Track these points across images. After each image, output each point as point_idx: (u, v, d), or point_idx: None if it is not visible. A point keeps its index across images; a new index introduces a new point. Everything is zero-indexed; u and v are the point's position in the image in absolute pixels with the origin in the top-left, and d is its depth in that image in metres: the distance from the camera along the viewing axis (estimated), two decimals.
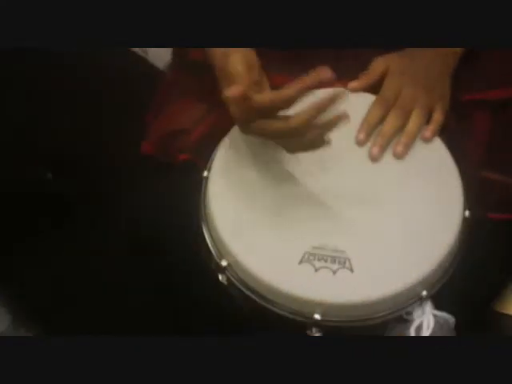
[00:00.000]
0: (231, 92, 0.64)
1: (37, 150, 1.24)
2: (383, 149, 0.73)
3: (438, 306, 0.68)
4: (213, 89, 0.83)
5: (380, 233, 0.66)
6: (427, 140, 0.74)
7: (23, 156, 1.23)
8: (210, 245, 0.69)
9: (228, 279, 0.67)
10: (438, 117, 0.76)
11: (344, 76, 0.78)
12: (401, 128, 0.74)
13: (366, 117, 0.75)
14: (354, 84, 0.79)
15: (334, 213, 0.68)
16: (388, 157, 0.72)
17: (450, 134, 0.79)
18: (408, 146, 0.73)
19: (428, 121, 0.76)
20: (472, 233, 0.70)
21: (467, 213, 0.69)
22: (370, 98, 0.76)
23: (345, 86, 0.79)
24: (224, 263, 0.66)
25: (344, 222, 0.67)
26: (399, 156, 0.72)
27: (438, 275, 0.66)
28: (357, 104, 0.73)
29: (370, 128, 0.75)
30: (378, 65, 0.80)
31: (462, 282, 0.70)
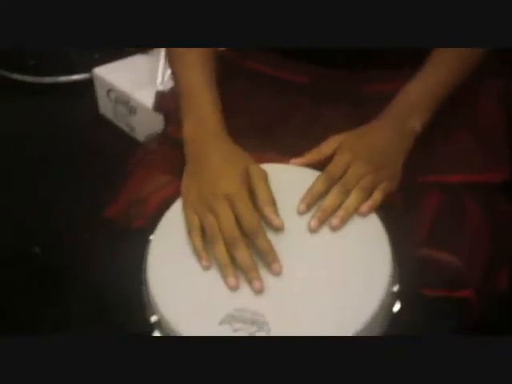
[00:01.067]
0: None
1: None
2: (321, 222, 0.75)
3: None
4: (181, 162, 0.89)
5: (301, 298, 0.68)
6: (363, 215, 0.76)
7: None
8: (146, 302, 0.72)
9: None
10: (377, 196, 0.78)
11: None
12: (340, 204, 0.77)
13: (310, 189, 0.78)
14: (296, 160, 0.83)
15: (262, 275, 0.70)
16: (324, 227, 0.75)
17: (396, 212, 0.82)
18: (344, 221, 0.75)
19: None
20: (405, 308, 0.72)
21: (395, 288, 0.71)
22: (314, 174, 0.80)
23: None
24: (154, 319, 0.70)
25: (272, 285, 0.70)
26: (334, 228, 0.75)
27: None
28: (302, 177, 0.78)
29: (312, 200, 0.77)
30: (330, 142, 0.83)
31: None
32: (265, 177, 0.77)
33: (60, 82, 2.09)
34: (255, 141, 0.89)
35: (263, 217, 0.73)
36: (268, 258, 0.71)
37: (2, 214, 1.42)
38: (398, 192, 0.82)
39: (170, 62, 0.95)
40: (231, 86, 0.96)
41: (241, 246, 0.71)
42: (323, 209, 0.76)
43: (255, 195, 0.75)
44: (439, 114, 0.86)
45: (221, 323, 0.66)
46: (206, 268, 0.71)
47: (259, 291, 0.68)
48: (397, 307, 0.72)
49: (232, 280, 0.69)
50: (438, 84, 0.86)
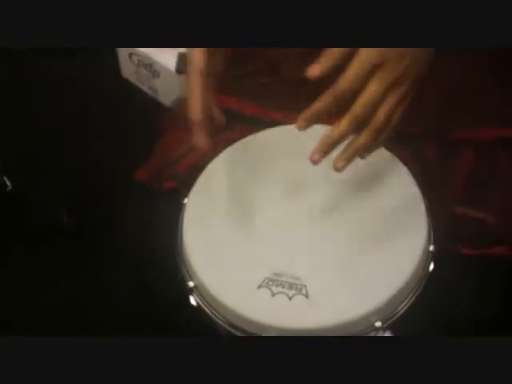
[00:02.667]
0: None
1: None
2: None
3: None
4: None
5: (339, 260, 0.67)
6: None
7: None
8: (182, 267, 0.71)
9: (196, 301, 0.69)
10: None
11: None
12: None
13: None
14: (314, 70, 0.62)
15: (298, 239, 0.70)
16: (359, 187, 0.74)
17: (430, 168, 0.80)
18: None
19: None
20: (440, 266, 0.71)
21: (432, 247, 0.70)
22: None
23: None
24: (191, 284, 0.69)
25: (305, 248, 0.69)
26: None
27: (394, 306, 0.66)
28: None
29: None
30: None
31: (423, 314, 0.70)
32: None
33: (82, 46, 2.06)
34: (282, 100, 0.86)
35: None
36: None
37: (32, 177, 1.41)
38: (433, 146, 0.80)
39: None
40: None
41: None
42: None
43: None
44: (463, 71, 0.82)
45: (259, 287, 0.65)
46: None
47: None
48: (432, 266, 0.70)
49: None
50: None
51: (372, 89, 0.60)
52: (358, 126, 0.62)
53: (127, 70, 1.84)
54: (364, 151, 0.64)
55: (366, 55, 0.60)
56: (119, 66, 1.83)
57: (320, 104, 0.61)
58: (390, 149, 0.77)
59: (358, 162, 0.72)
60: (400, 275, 0.65)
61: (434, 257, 0.70)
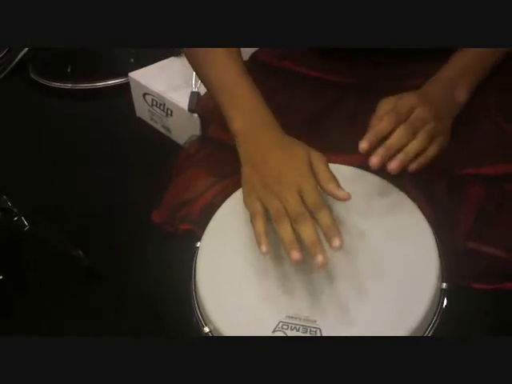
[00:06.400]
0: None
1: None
2: (383, 159, 0.71)
3: None
4: (223, 163, 0.86)
5: (352, 301, 0.66)
6: (411, 171, 0.73)
7: None
8: (196, 312, 0.70)
9: None
10: (431, 152, 0.75)
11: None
12: (405, 144, 0.73)
13: (374, 128, 0.74)
14: (364, 144, 0.73)
15: (311, 283, 0.68)
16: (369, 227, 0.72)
17: (440, 204, 0.79)
18: (403, 163, 0.72)
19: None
20: (454, 303, 0.69)
21: (444, 285, 0.68)
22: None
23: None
24: (206, 330, 0.68)
25: (318, 292, 0.68)
26: (392, 171, 0.71)
27: None
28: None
29: (375, 137, 0.73)
30: (385, 103, 0.77)
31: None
32: (325, 160, 0.73)
33: (97, 87, 2.08)
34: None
35: (328, 193, 0.70)
36: (330, 233, 0.66)
37: (47, 216, 1.42)
38: (442, 183, 0.79)
39: (198, 64, 0.92)
40: (266, 84, 0.93)
41: (307, 222, 0.67)
42: (388, 146, 0.72)
43: (317, 178, 0.71)
44: (470, 105, 0.82)
45: (274, 331, 0.64)
46: (265, 254, 0.67)
47: (322, 265, 0.64)
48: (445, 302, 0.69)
49: (296, 254, 0.65)
50: (483, 55, 0.84)
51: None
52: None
53: (141, 109, 1.85)
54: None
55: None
56: (133, 105, 1.85)
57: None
58: (400, 187, 0.76)
59: (371, 201, 0.71)
60: (413, 316, 0.64)
61: (447, 293, 0.69)
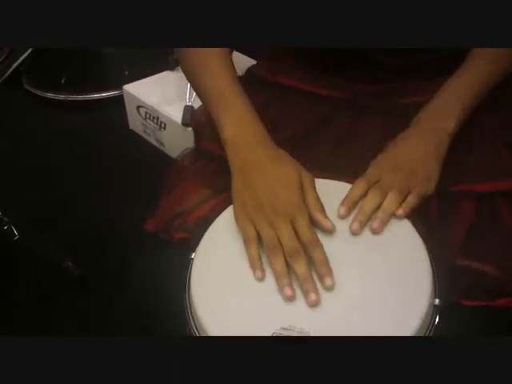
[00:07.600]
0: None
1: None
2: (363, 225, 0.74)
3: None
4: (218, 176, 0.86)
5: (346, 314, 0.66)
6: (398, 217, 0.75)
7: None
8: (191, 322, 0.70)
9: None
10: (411, 198, 0.77)
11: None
12: (378, 206, 0.76)
13: (348, 193, 0.78)
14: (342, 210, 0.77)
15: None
16: (362, 245, 0.73)
17: (432, 219, 0.79)
18: (383, 222, 0.74)
19: None
20: (443, 319, 0.69)
21: (437, 301, 0.69)
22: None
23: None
24: None
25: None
26: (375, 231, 0.74)
27: None
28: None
29: (351, 203, 0.77)
30: (358, 184, 0.79)
31: None
32: (313, 183, 0.76)
33: (91, 98, 2.08)
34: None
35: (314, 220, 0.72)
36: (322, 270, 0.69)
37: (38, 227, 1.41)
38: (434, 199, 0.80)
39: (191, 73, 0.93)
40: (260, 98, 0.93)
41: (301, 258, 0.69)
42: (363, 211, 0.75)
43: (305, 203, 0.74)
44: (465, 123, 0.83)
45: None
46: (260, 280, 0.69)
47: (314, 304, 0.66)
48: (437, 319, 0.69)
49: (289, 290, 0.67)
50: (473, 83, 0.85)
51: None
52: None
53: (134, 122, 1.85)
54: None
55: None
56: (127, 118, 1.85)
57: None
58: None
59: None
60: (406, 332, 0.64)
61: (439, 310, 0.69)
